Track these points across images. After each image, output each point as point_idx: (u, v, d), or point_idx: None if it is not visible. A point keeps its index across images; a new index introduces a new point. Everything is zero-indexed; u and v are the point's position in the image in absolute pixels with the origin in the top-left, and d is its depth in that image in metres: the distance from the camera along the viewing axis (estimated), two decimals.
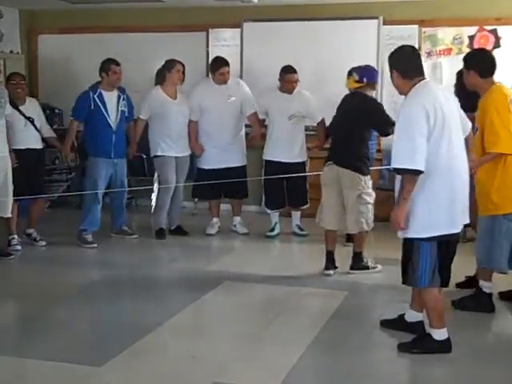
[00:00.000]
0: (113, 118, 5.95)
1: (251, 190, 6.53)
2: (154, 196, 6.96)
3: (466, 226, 3.58)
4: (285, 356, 3.51)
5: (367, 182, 4.94)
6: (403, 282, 3.61)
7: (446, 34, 6.79)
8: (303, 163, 6.25)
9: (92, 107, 5.88)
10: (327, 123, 5.84)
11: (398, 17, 6.84)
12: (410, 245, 3.45)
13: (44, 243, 5.94)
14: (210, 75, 6.30)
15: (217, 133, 6.18)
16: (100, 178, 5.94)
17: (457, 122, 3.43)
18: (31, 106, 5.87)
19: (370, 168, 5.05)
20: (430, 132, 3.26)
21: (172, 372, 3.35)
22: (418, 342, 3.56)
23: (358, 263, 5.02)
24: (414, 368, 3.49)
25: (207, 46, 7.43)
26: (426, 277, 3.42)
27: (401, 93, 3.49)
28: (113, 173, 6.01)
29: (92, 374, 3.30)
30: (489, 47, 6.43)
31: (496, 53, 6.08)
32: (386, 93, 6.39)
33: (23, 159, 5.63)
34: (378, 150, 6.34)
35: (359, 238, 5.03)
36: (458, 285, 4.50)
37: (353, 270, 5.02)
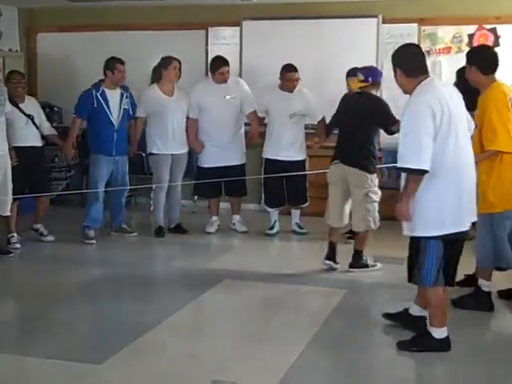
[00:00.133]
0: (115, 116, 5.95)
1: (251, 188, 6.53)
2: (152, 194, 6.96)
3: (473, 223, 3.58)
4: (284, 354, 3.51)
5: (374, 180, 4.96)
6: (409, 281, 3.59)
7: (445, 33, 6.79)
8: (303, 161, 6.25)
9: (95, 105, 5.88)
10: (327, 121, 5.85)
11: (398, 15, 6.84)
12: (416, 243, 3.44)
13: (51, 238, 5.97)
14: (210, 74, 6.29)
15: (216, 132, 6.17)
16: (101, 176, 5.96)
17: (463, 119, 3.42)
18: (30, 104, 5.88)
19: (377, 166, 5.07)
20: (436, 131, 3.24)
21: (171, 370, 3.36)
22: (417, 340, 3.56)
23: (357, 261, 5.03)
24: (413, 366, 3.50)
25: (206, 45, 7.43)
26: (431, 275, 3.41)
27: (405, 91, 3.48)
28: (114, 170, 6.01)
29: (92, 371, 3.30)
30: None
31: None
32: (385, 93, 6.38)
33: (24, 157, 5.63)
34: (379, 149, 6.33)
35: (362, 237, 5.03)
36: (458, 283, 4.49)
37: (352, 269, 5.02)
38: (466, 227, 3.42)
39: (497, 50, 6.29)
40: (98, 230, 6.10)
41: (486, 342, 3.80)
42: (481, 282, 4.16)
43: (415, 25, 6.84)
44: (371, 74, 5.04)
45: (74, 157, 6.21)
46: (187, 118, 6.21)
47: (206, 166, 6.28)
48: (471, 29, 6.70)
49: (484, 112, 3.96)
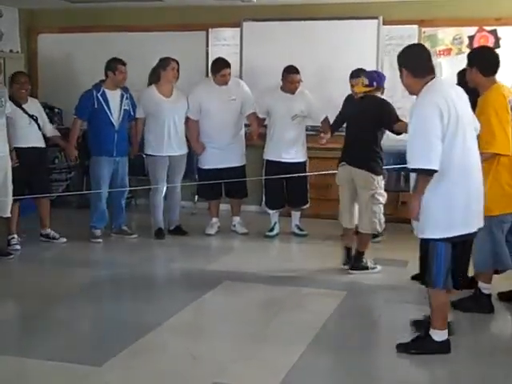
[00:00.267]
0: (115, 117, 5.96)
1: (251, 189, 6.53)
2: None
3: None
4: (284, 356, 3.52)
5: (380, 182, 4.98)
6: (422, 283, 3.58)
7: (445, 35, 6.79)
8: (304, 163, 6.25)
9: (95, 106, 5.90)
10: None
11: (398, 17, 6.84)
12: (425, 245, 3.44)
13: (64, 240, 5.97)
14: (211, 76, 6.29)
15: (217, 133, 6.17)
16: (103, 177, 5.97)
17: (469, 119, 3.43)
18: (33, 105, 5.89)
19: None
20: (444, 131, 3.24)
21: (172, 372, 3.36)
22: (417, 342, 3.57)
23: (357, 263, 5.03)
24: (413, 368, 3.49)
25: (207, 46, 7.43)
26: (441, 278, 3.40)
27: (411, 92, 3.48)
28: (114, 171, 6.02)
29: (92, 373, 3.30)
30: None
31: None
32: (385, 94, 6.39)
33: (26, 158, 5.65)
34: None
35: (364, 239, 5.05)
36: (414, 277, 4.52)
37: (352, 270, 5.03)
38: (474, 228, 3.43)
39: (497, 51, 6.36)
40: (103, 230, 6.12)
41: (486, 344, 3.79)
42: (481, 284, 4.16)
43: (415, 26, 6.84)
44: (376, 79, 5.06)
45: (76, 158, 6.21)
46: (188, 119, 6.21)
47: (206, 167, 6.28)
48: (471, 30, 6.70)
49: (482, 114, 3.96)
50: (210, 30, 7.40)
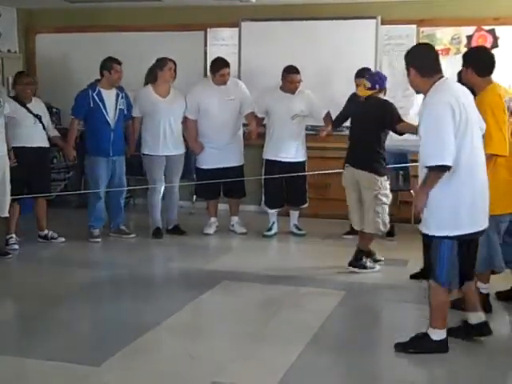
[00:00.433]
0: (111, 116, 5.95)
1: (250, 189, 6.53)
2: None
3: None
4: (283, 355, 3.52)
5: (383, 182, 4.99)
6: (424, 278, 3.61)
7: (444, 34, 6.79)
8: (303, 163, 6.25)
9: (91, 105, 5.89)
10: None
11: (397, 16, 6.83)
12: (428, 241, 3.46)
13: (63, 239, 5.98)
14: (210, 75, 6.29)
15: (215, 133, 6.17)
16: (100, 177, 5.97)
17: (476, 119, 3.45)
18: (37, 105, 5.89)
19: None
20: (455, 130, 3.27)
21: (170, 371, 3.36)
22: (415, 341, 3.56)
23: (357, 261, 5.04)
24: (412, 368, 3.49)
25: (205, 46, 7.42)
26: (446, 276, 3.41)
27: (418, 91, 3.50)
28: (111, 170, 6.02)
29: (91, 373, 3.30)
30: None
31: (494, 53, 6.11)
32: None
33: (31, 157, 5.67)
34: None
35: (367, 238, 5.06)
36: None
37: (350, 267, 5.04)
38: (480, 227, 3.43)
39: (495, 51, 6.35)
40: (101, 230, 6.12)
41: (485, 344, 3.79)
42: (479, 284, 4.15)
43: (414, 26, 6.84)
44: (378, 82, 5.06)
45: (74, 158, 6.20)
46: (186, 118, 6.21)
47: (204, 167, 6.28)
48: (470, 30, 6.70)
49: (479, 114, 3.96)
50: (208, 29, 7.39)
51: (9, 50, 7.70)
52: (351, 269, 5.03)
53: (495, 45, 6.57)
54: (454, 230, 3.36)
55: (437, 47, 6.70)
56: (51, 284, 4.85)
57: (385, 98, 5.15)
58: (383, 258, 5.22)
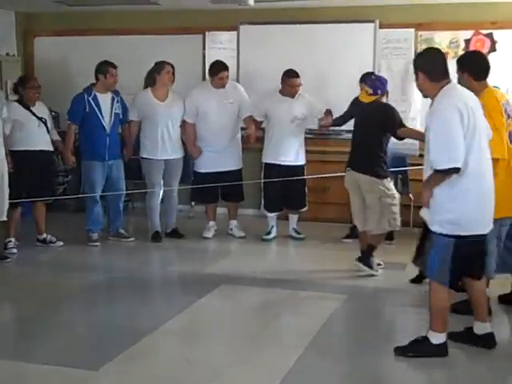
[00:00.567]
0: (107, 121, 5.95)
1: (249, 193, 6.52)
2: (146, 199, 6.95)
3: None
4: (282, 359, 3.51)
5: (386, 184, 5.00)
6: (413, 261, 3.69)
7: (442, 38, 6.79)
8: (302, 166, 6.25)
9: (87, 110, 5.89)
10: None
11: (395, 20, 6.84)
12: (428, 232, 3.50)
13: (61, 243, 5.97)
14: (208, 78, 6.29)
15: (214, 137, 6.16)
16: (96, 181, 5.97)
17: (484, 125, 3.48)
18: (41, 109, 5.89)
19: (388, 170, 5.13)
20: (464, 133, 3.29)
21: (168, 376, 3.35)
22: (414, 345, 3.56)
23: (366, 258, 5.05)
24: (411, 371, 3.48)
25: (204, 49, 7.42)
26: (433, 269, 3.46)
27: (426, 96, 3.52)
28: (108, 174, 6.01)
29: (88, 377, 3.29)
30: (485, 51, 6.43)
31: (492, 57, 6.12)
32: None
33: (35, 160, 5.68)
34: None
35: (378, 235, 5.07)
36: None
37: (357, 262, 5.05)
38: (483, 231, 3.45)
39: (493, 55, 6.38)
40: (100, 233, 6.11)
41: (484, 348, 3.78)
42: None
43: (412, 30, 6.84)
44: (379, 87, 5.07)
45: (73, 163, 6.18)
46: (184, 122, 6.21)
47: (202, 171, 6.27)
48: (468, 34, 6.70)
49: None
50: (206, 33, 7.40)
51: (7, 54, 7.70)
52: (357, 264, 5.03)
53: (493, 49, 6.58)
54: (454, 230, 3.38)
55: None
56: (49, 288, 4.84)
57: (388, 102, 5.16)
58: (382, 263, 5.22)
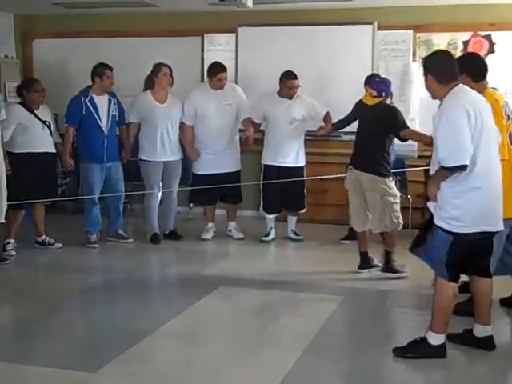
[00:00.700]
0: (104, 123, 5.95)
1: (248, 194, 6.53)
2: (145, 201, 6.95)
3: None
4: (280, 361, 3.51)
5: (388, 183, 5.01)
6: (410, 249, 3.74)
7: (440, 40, 6.80)
8: (302, 168, 6.25)
9: (84, 112, 5.89)
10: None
11: (393, 22, 6.85)
12: (432, 224, 3.53)
13: (60, 245, 5.97)
14: (207, 80, 6.29)
15: (212, 139, 6.16)
16: (95, 183, 5.97)
17: (493, 127, 3.50)
18: (45, 112, 5.89)
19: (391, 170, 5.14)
20: (471, 133, 3.32)
21: (167, 378, 3.34)
22: (413, 346, 3.56)
23: (388, 264, 5.04)
24: (410, 373, 3.48)
25: (202, 51, 7.43)
26: (431, 259, 3.53)
27: (434, 97, 3.55)
28: (107, 176, 6.01)
29: (87, 380, 3.28)
30: (483, 53, 6.45)
31: (490, 58, 6.13)
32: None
33: (37, 162, 5.69)
34: None
35: (389, 239, 5.07)
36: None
37: (384, 272, 5.05)
38: (490, 229, 3.45)
39: (491, 56, 6.39)
40: (98, 235, 6.11)
41: (484, 349, 3.78)
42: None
43: (410, 31, 6.86)
44: (383, 89, 5.08)
45: (72, 166, 6.18)
46: (182, 124, 6.21)
47: (200, 172, 6.27)
48: (466, 35, 6.71)
49: None
50: (205, 35, 7.40)
51: (6, 56, 7.70)
52: (385, 274, 5.02)
53: (491, 50, 6.60)
54: (456, 228, 3.40)
55: None
56: (48, 290, 4.83)
57: (392, 103, 5.18)
58: (381, 264, 5.22)
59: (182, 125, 6.21)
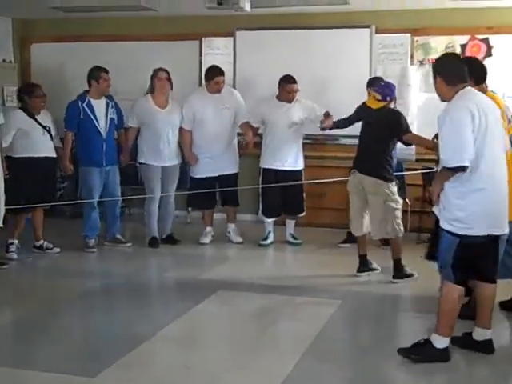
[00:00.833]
0: (102, 126, 5.95)
1: (247, 198, 6.52)
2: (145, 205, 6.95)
3: None
4: (279, 365, 3.50)
5: (391, 188, 5.00)
6: (426, 257, 3.78)
7: (438, 43, 6.81)
8: (300, 171, 6.25)
9: (82, 116, 5.89)
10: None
11: (391, 26, 6.86)
12: (439, 228, 3.55)
13: (58, 249, 5.97)
14: (204, 84, 6.29)
15: (210, 143, 6.16)
16: (94, 187, 5.97)
17: (500, 132, 3.50)
18: (46, 117, 5.89)
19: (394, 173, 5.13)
20: (475, 134, 3.33)
21: (165, 382, 3.34)
22: (417, 348, 3.54)
23: (399, 272, 5.01)
24: (410, 376, 3.48)
25: (200, 55, 7.44)
26: (440, 261, 3.53)
27: (443, 99, 3.57)
28: (105, 180, 6.01)
29: None
30: (480, 56, 6.46)
31: (488, 62, 6.14)
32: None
33: (38, 167, 5.69)
34: None
35: (394, 245, 5.05)
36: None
37: (395, 279, 5.01)
38: (495, 232, 3.45)
39: (489, 60, 6.39)
40: (97, 240, 6.10)
41: (483, 353, 3.78)
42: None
43: (408, 35, 6.86)
44: (388, 94, 5.09)
45: (71, 171, 6.17)
46: (181, 129, 6.21)
47: (198, 176, 6.27)
48: (464, 39, 6.72)
49: None
50: (203, 39, 7.41)
51: (4, 60, 7.70)
52: (396, 281, 4.98)
53: (489, 54, 6.60)
54: (461, 229, 3.40)
55: (431, 56, 6.83)
56: (46, 294, 4.82)
57: (394, 106, 5.18)
58: (379, 268, 5.22)
59: (180, 129, 6.21)
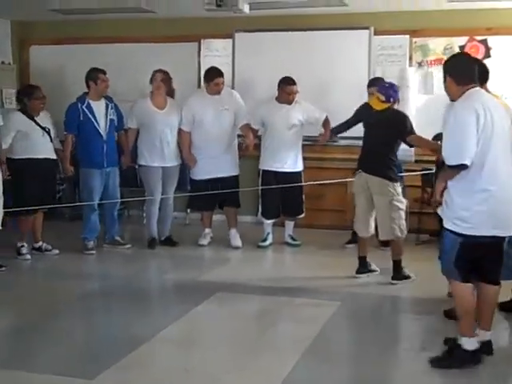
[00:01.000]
0: (102, 128, 5.96)
1: (246, 200, 6.52)
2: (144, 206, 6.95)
3: None
4: (278, 366, 3.50)
5: (396, 188, 5.00)
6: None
7: (436, 44, 6.83)
8: (300, 173, 6.25)
9: (81, 118, 5.90)
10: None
11: (389, 27, 6.87)
12: (444, 231, 3.56)
13: (57, 251, 5.97)
14: (204, 85, 6.29)
15: (210, 144, 6.16)
16: (94, 188, 5.97)
17: (506, 132, 3.48)
18: (45, 118, 5.89)
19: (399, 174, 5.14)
20: (479, 133, 3.33)
21: None
22: (449, 355, 3.49)
23: (398, 273, 5.01)
24: (408, 378, 3.47)
25: (199, 57, 7.45)
26: (443, 262, 3.53)
27: (452, 99, 3.58)
28: (105, 181, 6.01)
29: None
30: (479, 57, 6.45)
31: (486, 63, 6.14)
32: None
33: (39, 169, 5.70)
34: None
35: (395, 246, 5.04)
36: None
37: (394, 281, 5.01)
38: (498, 233, 3.43)
39: (488, 61, 6.39)
40: (96, 242, 6.10)
41: (482, 354, 3.78)
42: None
43: (407, 36, 6.88)
44: (392, 95, 5.08)
45: (72, 173, 6.17)
46: (180, 130, 6.21)
47: (198, 178, 6.27)
48: (462, 40, 6.73)
49: None
50: (202, 41, 7.42)
51: (3, 62, 7.71)
52: (396, 282, 4.98)
53: (487, 55, 6.61)
54: (464, 229, 3.40)
55: (430, 57, 6.84)
56: (45, 296, 4.81)
57: (397, 107, 5.18)
58: (378, 269, 5.21)
59: (179, 131, 6.21)
